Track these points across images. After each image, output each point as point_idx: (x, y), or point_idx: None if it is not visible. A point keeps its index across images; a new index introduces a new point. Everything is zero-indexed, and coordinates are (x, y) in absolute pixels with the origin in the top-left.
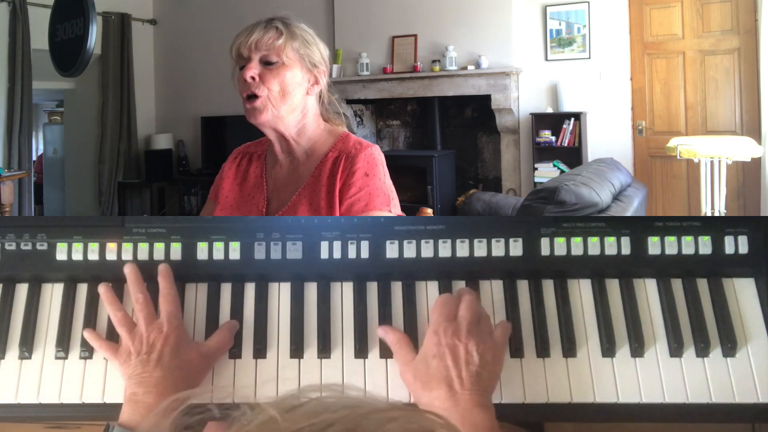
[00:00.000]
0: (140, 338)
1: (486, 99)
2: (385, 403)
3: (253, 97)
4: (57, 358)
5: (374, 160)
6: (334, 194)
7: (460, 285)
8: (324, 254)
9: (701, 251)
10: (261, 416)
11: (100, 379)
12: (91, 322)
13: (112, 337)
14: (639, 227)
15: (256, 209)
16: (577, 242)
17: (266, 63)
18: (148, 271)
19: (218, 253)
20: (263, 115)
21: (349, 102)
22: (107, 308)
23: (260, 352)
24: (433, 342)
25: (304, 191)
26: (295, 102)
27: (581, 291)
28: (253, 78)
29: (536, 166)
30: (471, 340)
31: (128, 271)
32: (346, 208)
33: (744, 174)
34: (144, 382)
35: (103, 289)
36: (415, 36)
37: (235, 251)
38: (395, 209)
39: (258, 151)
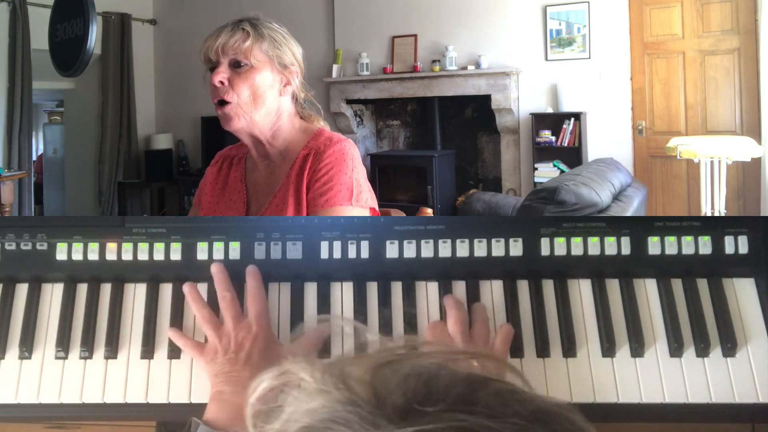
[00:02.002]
0: (228, 337)
1: (486, 99)
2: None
3: (224, 102)
4: (57, 358)
5: (343, 155)
6: (301, 191)
7: (460, 285)
8: (324, 254)
9: (701, 251)
10: (378, 345)
11: (100, 379)
12: (91, 322)
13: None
14: (639, 227)
15: (236, 214)
16: (577, 242)
17: (235, 66)
18: (148, 270)
19: (218, 253)
20: (236, 122)
21: (349, 102)
22: (192, 306)
23: None
24: None
25: (279, 192)
26: (267, 105)
27: (581, 291)
28: (222, 83)
29: (536, 166)
30: None
31: (215, 270)
32: (310, 203)
33: (744, 174)
34: (232, 381)
35: (188, 288)
36: (415, 36)
37: (235, 251)
38: (364, 204)
39: (239, 155)
